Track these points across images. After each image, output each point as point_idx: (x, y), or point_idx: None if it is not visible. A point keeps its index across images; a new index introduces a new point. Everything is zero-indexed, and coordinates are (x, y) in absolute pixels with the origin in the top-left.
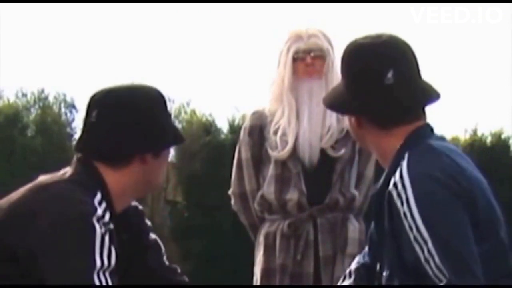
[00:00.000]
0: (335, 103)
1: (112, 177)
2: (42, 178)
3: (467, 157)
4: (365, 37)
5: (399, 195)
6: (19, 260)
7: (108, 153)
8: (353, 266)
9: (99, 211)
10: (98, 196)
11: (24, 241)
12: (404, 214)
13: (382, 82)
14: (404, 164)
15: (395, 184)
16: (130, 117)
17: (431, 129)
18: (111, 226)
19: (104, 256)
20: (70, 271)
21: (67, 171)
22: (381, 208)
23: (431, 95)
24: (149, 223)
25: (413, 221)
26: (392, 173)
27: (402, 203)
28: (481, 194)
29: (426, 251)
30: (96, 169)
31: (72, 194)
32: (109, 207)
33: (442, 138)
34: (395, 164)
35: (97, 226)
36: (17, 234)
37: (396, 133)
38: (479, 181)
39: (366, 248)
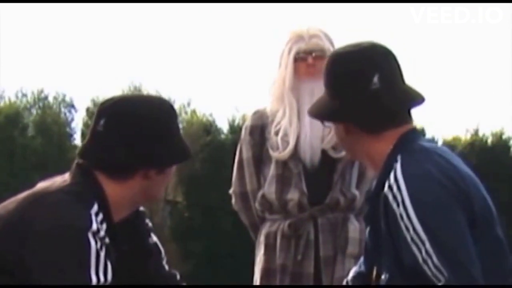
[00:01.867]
0: (322, 112)
1: (112, 188)
2: (40, 186)
3: (458, 157)
4: (345, 47)
5: (394, 197)
6: (14, 273)
7: (111, 165)
8: (350, 275)
9: (94, 226)
10: (95, 207)
11: (19, 255)
12: (401, 215)
13: (368, 87)
14: (398, 166)
15: (390, 186)
16: (139, 131)
17: (419, 133)
18: (107, 240)
19: (100, 272)
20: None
21: (66, 178)
22: (376, 211)
23: (415, 98)
24: (150, 224)
25: (410, 222)
26: (385, 176)
27: (398, 205)
28: (476, 193)
29: (424, 252)
30: (96, 179)
31: (67, 208)
32: (106, 218)
33: (431, 141)
34: (388, 167)
35: (92, 242)
36: (11, 247)
37: (385, 137)
38: (473, 180)
39: (362, 258)
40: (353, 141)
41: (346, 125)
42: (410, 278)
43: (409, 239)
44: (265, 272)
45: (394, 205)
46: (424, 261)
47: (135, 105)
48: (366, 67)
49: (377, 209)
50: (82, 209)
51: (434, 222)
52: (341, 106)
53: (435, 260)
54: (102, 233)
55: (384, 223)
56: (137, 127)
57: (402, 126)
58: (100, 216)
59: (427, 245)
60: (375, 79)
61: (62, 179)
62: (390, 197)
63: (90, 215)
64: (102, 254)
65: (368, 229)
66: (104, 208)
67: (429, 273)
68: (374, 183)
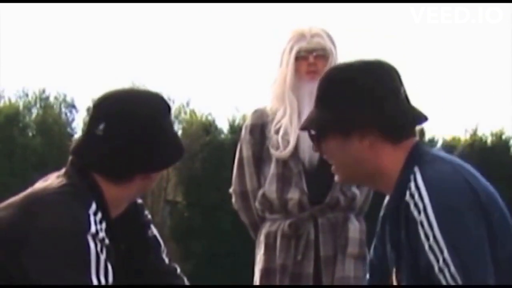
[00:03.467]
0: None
1: (110, 189)
2: (37, 187)
3: (475, 170)
4: (345, 63)
5: (416, 204)
6: (13, 278)
7: (111, 170)
8: None
9: (93, 228)
10: (93, 206)
11: (18, 260)
12: (421, 222)
13: (373, 100)
14: (418, 175)
15: (411, 195)
16: (138, 137)
17: (425, 144)
18: (107, 241)
19: (101, 275)
20: None
21: (62, 178)
22: (395, 223)
23: (421, 114)
24: (149, 216)
25: (431, 230)
26: (402, 187)
27: (419, 212)
28: (495, 206)
29: (441, 260)
30: (93, 180)
31: (65, 211)
32: (105, 217)
33: (439, 151)
34: (405, 178)
35: (92, 244)
36: (10, 252)
37: (402, 146)
38: (493, 194)
39: (368, 276)
40: (369, 155)
41: (362, 135)
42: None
43: (427, 247)
44: (265, 272)
45: (415, 213)
46: (441, 270)
47: (132, 107)
48: (369, 82)
49: (396, 220)
50: (80, 211)
51: (454, 231)
52: (353, 117)
53: (452, 270)
54: (101, 234)
55: (405, 232)
56: (137, 133)
57: (408, 140)
58: (99, 215)
59: (445, 254)
60: (379, 92)
61: (58, 180)
62: (412, 205)
63: (89, 216)
64: (102, 256)
65: (374, 245)
66: (102, 206)
67: (444, 282)
68: (387, 198)
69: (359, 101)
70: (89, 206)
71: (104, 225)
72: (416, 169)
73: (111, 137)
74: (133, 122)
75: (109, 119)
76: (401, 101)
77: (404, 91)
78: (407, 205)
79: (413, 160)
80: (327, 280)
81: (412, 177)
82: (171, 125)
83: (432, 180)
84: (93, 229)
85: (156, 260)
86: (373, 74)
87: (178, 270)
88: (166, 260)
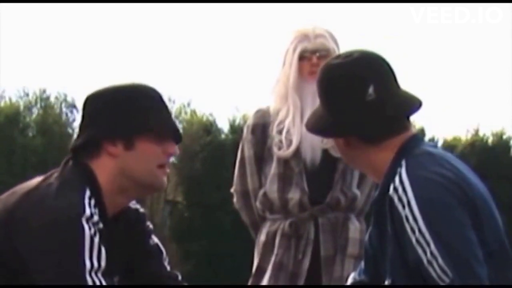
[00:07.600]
0: (320, 127)
1: (96, 171)
2: (31, 181)
3: (464, 164)
4: (337, 57)
5: (400, 199)
6: (8, 265)
7: (81, 145)
8: (349, 281)
9: (88, 211)
10: (87, 192)
11: (13, 247)
12: (406, 217)
13: (364, 98)
14: (403, 169)
15: (395, 189)
16: (104, 107)
17: (421, 139)
18: (101, 225)
19: (94, 257)
20: (61, 273)
21: (56, 170)
22: (381, 216)
23: (413, 104)
24: (150, 226)
25: (416, 223)
26: (389, 180)
27: (403, 207)
28: (482, 202)
29: (429, 253)
30: (85, 165)
31: (59, 195)
32: (99, 203)
33: (435, 146)
34: (392, 172)
35: (86, 227)
36: (5, 238)
37: (387, 146)
38: (479, 190)
39: (362, 264)
40: (355, 153)
41: (346, 138)
42: (414, 281)
43: (414, 241)
44: (256, 270)
45: (400, 207)
46: (429, 262)
47: (110, 89)
48: (360, 80)
49: (382, 214)
50: (75, 195)
51: (440, 223)
52: (338, 121)
53: (440, 261)
54: (95, 218)
55: (390, 226)
56: (103, 104)
57: (403, 133)
58: (93, 201)
59: (432, 246)
60: (370, 90)
61: (53, 172)
62: (396, 199)
63: (83, 200)
64: (96, 239)
65: (369, 235)
66: (96, 193)
67: (433, 274)
68: (378, 189)
69: (333, 111)
70: (83, 192)
71: (97, 211)
72: (403, 163)
73: (84, 117)
74: (104, 98)
75: (84, 104)
76: (369, 103)
77: (383, 85)
78: (391, 199)
79: (402, 154)
80: (327, 280)
81: (398, 170)
82: (153, 104)
83: (415, 174)
84: (87, 212)
85: (158, 267)
86: (339, 82)
87: (180, 277)
88: (168, 268)
